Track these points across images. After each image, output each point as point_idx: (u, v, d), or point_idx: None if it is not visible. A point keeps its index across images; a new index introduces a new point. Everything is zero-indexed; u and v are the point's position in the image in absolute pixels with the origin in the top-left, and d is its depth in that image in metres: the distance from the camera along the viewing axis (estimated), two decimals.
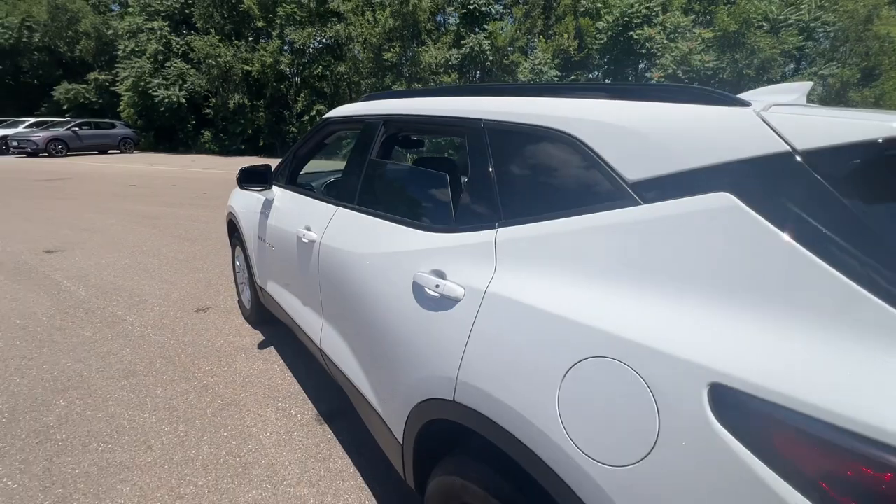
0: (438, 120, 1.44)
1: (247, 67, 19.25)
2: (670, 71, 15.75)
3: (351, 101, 2.46)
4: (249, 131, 21.02)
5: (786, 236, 0.68)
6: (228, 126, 21.06)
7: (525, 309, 0.95)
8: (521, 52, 18.25)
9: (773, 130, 0.73)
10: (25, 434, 2.09)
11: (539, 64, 17.24)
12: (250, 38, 20.36)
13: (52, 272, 4.27)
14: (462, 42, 17.73)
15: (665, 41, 16.12)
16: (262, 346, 2.99)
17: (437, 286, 1.16)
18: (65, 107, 23.23)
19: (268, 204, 2.54)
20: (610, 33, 16.64)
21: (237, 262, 3.38)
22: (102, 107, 23.42)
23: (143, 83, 19.73)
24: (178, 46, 20.25)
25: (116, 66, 20.91)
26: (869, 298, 0.61)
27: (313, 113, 19.75)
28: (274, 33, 19.27)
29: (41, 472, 1.87)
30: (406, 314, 1.27)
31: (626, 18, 16.18)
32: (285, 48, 19.82)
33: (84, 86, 23.24)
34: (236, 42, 19.71)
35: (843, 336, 0.61)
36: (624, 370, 0.76)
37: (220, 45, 19.11)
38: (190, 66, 20.15)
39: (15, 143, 17.28)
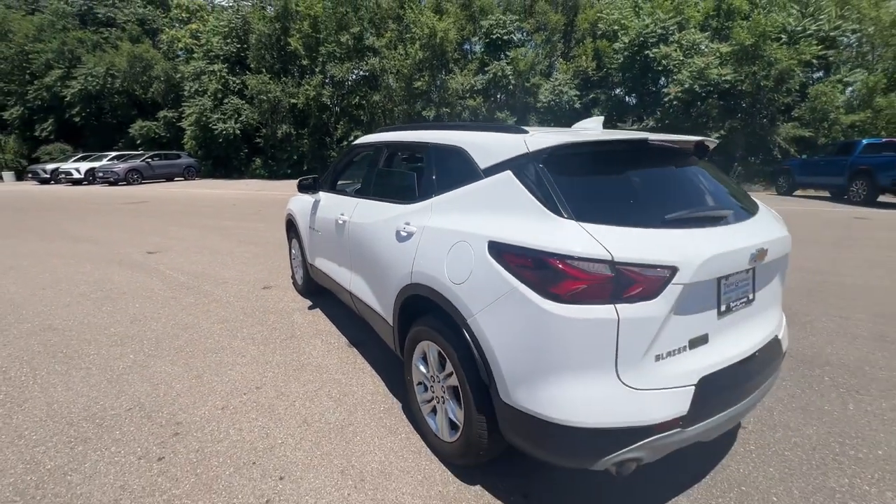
0: (411, 143, 2.56)
1: (293, 100, 21.45)
2: (687, 85, 16.32)
3: (384, 127, 3.61)
4: (295, 157, 23.18)
5: (523, 188, 1.71)
6: (276, 153, 23.33)
7: (438, 230, 2.01)
8: (543, 74, 19.34)
9: (525, 143, 1.76)
10: (167, 349, 3.30)
11: (559, 85, 18.25)
12: (296, 75, 22.65)
13: (157, 265, 5.68)
14: (486, 69, 19.08)
15: (681, 57, 16.72)
16: (310, 308, 4.15)
17: (405, 229, 2.23)
18: (138, 141, 26.47)
19: (316, 204, 3.72)
20: (626, 53, 17.44)
21: (293, 251, 4.59)
22: (169, 140, 26.48)
23: (204, 118, 22.39)
24: (234, 85, 22.88)
25: (182, 104, 23.81)
26: (541, 208, 1.62)
27: (351, 138, 21.60)
28: (317, 69, 21.42)
29: (182, 364, 3.05)
30: (391, 248, 2.35)
31: (641, 38, 16.96)
32: (327, 81, 21.92)
33: (155, 123, 26.43)
34: (284, 78, 22.04)
35: (528, 218, 1.63)
36: (466, 245, 1.79)
37: (270, 81, 21.46)
38: (244, 102, 22.67)
39: (100, 174, 20.08)
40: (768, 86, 15.87)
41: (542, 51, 19.78)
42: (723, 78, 16.15)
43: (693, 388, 1.55)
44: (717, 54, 16.54)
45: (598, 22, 18.78)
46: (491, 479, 1.98)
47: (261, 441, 2.25)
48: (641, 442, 1.50)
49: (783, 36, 16.22)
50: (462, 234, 1.84)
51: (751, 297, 1.81)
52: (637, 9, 18.28)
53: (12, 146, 28.63)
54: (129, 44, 26.09)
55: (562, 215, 1.56)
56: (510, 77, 18.44)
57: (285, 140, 22.51)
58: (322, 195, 3.70)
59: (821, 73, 17.97)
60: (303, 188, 3.70)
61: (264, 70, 21.94)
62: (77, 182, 21.11)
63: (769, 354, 1.87)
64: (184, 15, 28.15)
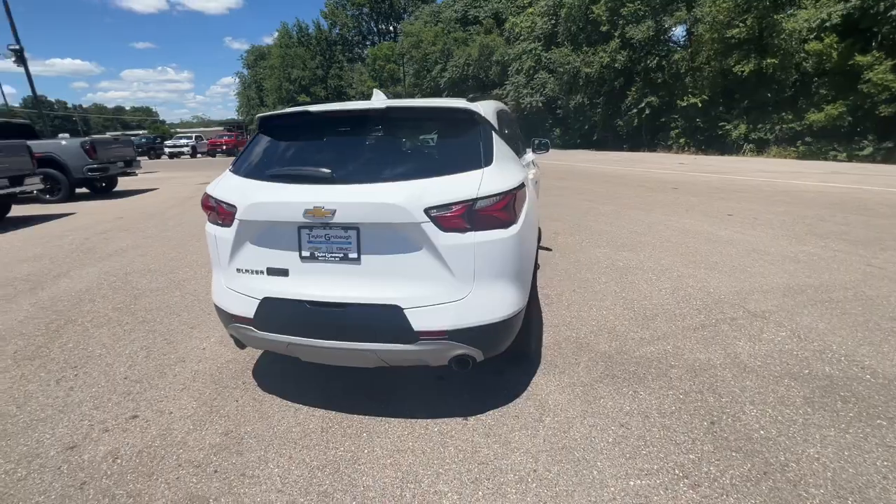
0: None
1: (587, 70, 21.60)
2: None
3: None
4: (586, 127, 23.56)
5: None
6: (570, 123, 24.37)
7: None
8: None
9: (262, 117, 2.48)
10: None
11: None
12: (595, 42, 22.45)
13: None
14: None
15: None
16: None
17: None
18: None
19: None
20: None
21: None
22: None
23: (517, 93, 25.83)
24: (545, 61, 25.03)
25: (505, 83, 28.10)
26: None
27: (642, 105, 19.92)
28: (615, 33, 20.54)
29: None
30: None
31: None
32: (625, 46, 20.70)
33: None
34: (584, 49, 22.33)
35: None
36: None
37: (571, 53, 22.26)
38: (550, 75, 24.56)
39: None
40: None
41: None
42: None
43: (257, 301, 2.06)
44: None
45: None
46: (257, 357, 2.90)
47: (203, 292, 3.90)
48: (231, 324, 2.20)
49: None
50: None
51: (353, 256, 1.93)
52: None
53: None
54: (482, 36, 32.42)
55: (230, 168, 2.32)
56: None
57: (578, 110, 23.13)
58: None
59: None
60: None
61: (567, 42, 22.87)
62: None
63: (374, 318, 1.92)
64: (524, 2, 32.13)
